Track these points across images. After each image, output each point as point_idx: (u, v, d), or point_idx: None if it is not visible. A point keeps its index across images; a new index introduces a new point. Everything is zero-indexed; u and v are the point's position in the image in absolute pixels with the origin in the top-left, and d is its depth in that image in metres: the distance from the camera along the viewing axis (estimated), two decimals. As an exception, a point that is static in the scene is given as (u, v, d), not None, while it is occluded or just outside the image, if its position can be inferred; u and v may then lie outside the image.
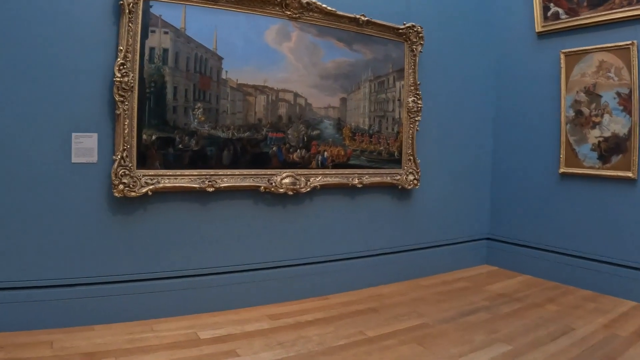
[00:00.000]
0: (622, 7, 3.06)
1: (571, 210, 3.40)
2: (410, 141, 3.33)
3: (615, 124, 3.14)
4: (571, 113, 3.38)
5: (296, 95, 2.84)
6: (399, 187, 3.30)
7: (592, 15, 3.22)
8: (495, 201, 3.97)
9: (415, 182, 3.35)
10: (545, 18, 3.50)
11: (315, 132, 2.93)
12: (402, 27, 3.22)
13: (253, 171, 2.68)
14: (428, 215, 3.55)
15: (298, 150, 2.85)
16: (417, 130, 3.34)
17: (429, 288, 3.25)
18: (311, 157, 2.90)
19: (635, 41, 3.00)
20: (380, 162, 3.23)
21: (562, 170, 3.42)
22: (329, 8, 2.86)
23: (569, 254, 3.39)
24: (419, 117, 3.34)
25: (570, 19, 3.35)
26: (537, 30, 3.58)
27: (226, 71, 2.59)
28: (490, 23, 3.93)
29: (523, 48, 3.73)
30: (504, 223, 3.88)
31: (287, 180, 2.77)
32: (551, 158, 3.51)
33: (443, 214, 3.66)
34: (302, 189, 2.82)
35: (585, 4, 3.26)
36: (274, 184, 2.72)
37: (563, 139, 3.41)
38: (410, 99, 3.31)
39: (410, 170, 3.33)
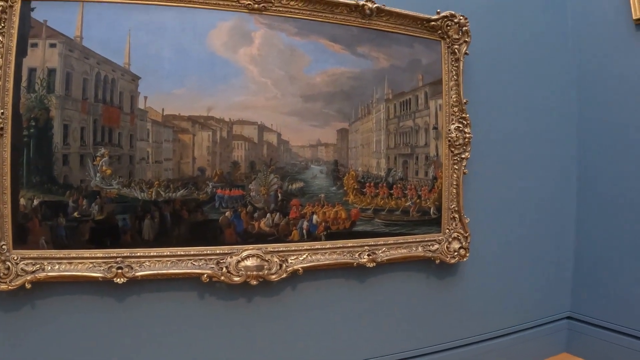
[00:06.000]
0: None
1: None
2: (454, 190, 3.00)
3: None
4: None
5: (262, 128, 2.57)
6: (437, 261, 2.96)
7: None
8: (580, 266, 3.71)
9: (462, 251, 3.02)
10: None
11: (296, 186, 2.65)
12: (436, 17, 2.89)
13: (193, 249, 2.38)
14: (482, 297, 3.31)
15: (268, 215, 2.55)
16: (464, 173, 3.02)
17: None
18: (290, 224, 2.60)
19: None
20: (406, 226, 2.90)
21: None
22: None
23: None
24: (467, 154, 3.02)
25: None
26: (634, 17, 3.25)
27: (145, 97, 2.31)
28: (566, 11, 3.72)
29: (616, 43, 3.44)
30: (592, 297, 3.58)
31: (249, 263, 2.45)
32: None
33: (504, 293, 3.42)
34: (273, 276, 2.50)
35: None
36: (226, 269, 2.41)
37: None
38: (452, 127, 2.99)
39: (455, 234, 3.00)
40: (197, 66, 2.39)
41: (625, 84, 3.39)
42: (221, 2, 2.42)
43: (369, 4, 2.69)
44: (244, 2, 2.45)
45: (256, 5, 2.47)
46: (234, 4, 2.44)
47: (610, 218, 3.48)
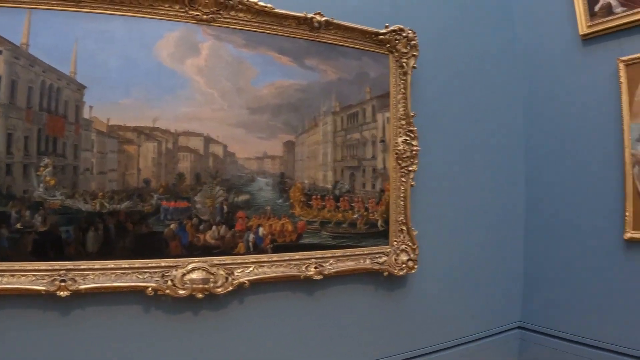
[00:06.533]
0: None
1: None
2: (402, 203, 3.14)
3: None
4: None
5: (209, 140, 2.61)
6: (385, 273, 3.09)
7: None
8: (529, 277, 3.90)
9: (410, 263, 3.16)
10: (593, 15, 3.40)
11: (242, 198, 2.70)
12: (385, 31, 3.05)
13: (137, 262, 2.41)
14: (432, 309, 3.41)
15: (214, 228, 2.60)
16: (411, 185, 3.17)
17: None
18: (236, 236, 2.66)
19: None
20: (353, 238, 3.00)
21: (628, 235, 3.23)
22: (260, 4, 2.68)
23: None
24: (414, 167, 3.17)
25: (629, 12, 3.21)
26: (581, 33, 3.49)
27: (91, 107, 2.35)
28: (515, 27, 3.97)
29: (563, 58, 3.67)
30: (542, 307, 3.78)
31: (195, 276, 2.51)
32: (611, 217, 3.34)
33: (454, 304, 3.54)
34: (219, 289, 2.56)
35: None
36: (171, 282, 2.46)
37: (629, 188, 3.23)
38: (400, 139, 3.14)
39: (403, 246, 3.14)
40: (143, 76, 2.44)
41: (572, 98, 3.62)
42: (169, 13, 2.49)
43: (318, 17, 2.81)
44: (192, 12, 2.53)
45: (204, 17, 2.56)
46: (182, 14, 2.51)
47: (557, 230, 3.69)
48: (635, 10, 3.18)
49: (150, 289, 2.42)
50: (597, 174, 3.46)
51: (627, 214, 3.24)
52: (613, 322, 3.32)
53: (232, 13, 2.64)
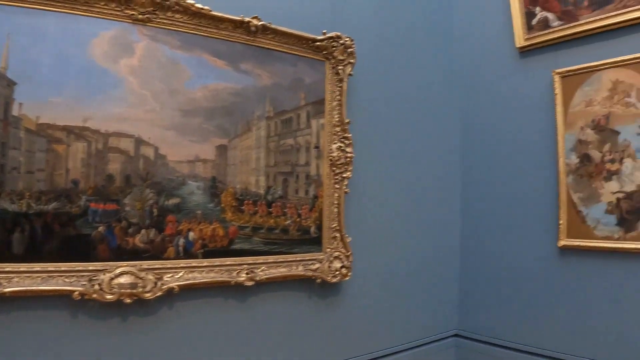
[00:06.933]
0: (644, 0, 3.03)
1: (577, 299, 3.40)
2: (335, 210, 3.25)
3: (642, 172, 3.11)
4: (574, 159, 3.42)
5: (139, 141, 2.66)
6: (318, 280, 3.19)
7: (598, 18, 3.28)
8: (465, 285, 4.09)
9: (344, 270, 3.26)
10: (530, 28, 3.62)
11: (172, 201, 2.75)
12: (322, 38, 3.18)
13: (64, 265, 2.44)
14: (367, 316, 3.50)
15: (143, 231, 2.64)
16: (345, 192, 3.28)
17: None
18: (166, 240, 2.71)
19: (666, 48, 3.08)
20: (286, 245, 3.09)
21: (562, 242, 3.44)
22: (197, 5, 2.76)
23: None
24: (348, 173, 3.29)
25: (565, 26, 3.43)
26: (518, 45, 3.71)
27: (20, 104, 2.39)
28: (453, 37, 4.19)
29: (500, 70, 3.92)
30: (478, 315, 3.97)
31: (123, 280, 2.54)
32: (546, 225, 3.56)
33: (390, 311, 3.65)
34: (148, 294, 2.60)
35: (585, 3, 3.34)
36: (99, 286, 2.49)
37: (563, 196, 3.44)
38: (334, 146, 3.26)
39: (337, 253, 3.24)
40: (76, 74, 2.48)
41: (509, 109, 3.85)
42: (105, 11, 2.54)
43: (255, 21, 2.92)
44: (129, 12, 2.59)
45: (140, 16, 2.62)
46: (118, 13, 2.57)
47: (493, 238, 3.90)
48: (571, 24, 3.41)
49: (77, 293, 2.44)
50: (532, 183, 3.66)
51: (561, 222, 3.45)
52: (548, 328, 3.50)
53: (169, 14, 2.71)
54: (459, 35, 4.22)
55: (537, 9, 3.59)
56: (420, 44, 3.93)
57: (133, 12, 2.63)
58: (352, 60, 3.27)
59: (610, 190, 3.25)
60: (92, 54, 2.54)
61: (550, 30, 3.51)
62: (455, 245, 4.14)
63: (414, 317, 3.82)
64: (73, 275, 2.45)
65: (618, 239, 3.20)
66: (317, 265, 3.19)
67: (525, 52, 3.70)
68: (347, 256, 3.28)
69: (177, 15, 2.75)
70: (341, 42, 3.21)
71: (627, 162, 3.18)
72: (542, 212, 3.58)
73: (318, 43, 3.15)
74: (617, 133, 3.23)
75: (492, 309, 3.87)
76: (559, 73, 3.46)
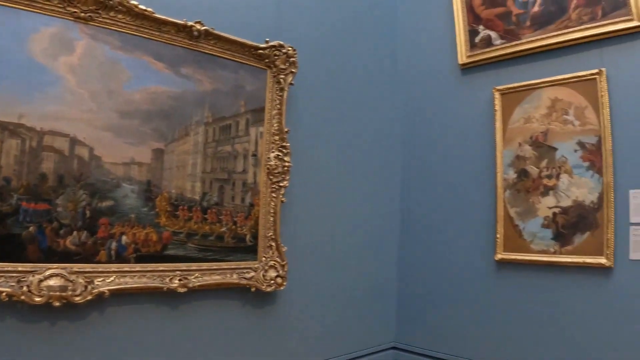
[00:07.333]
0: (581, 24, 3.22)
1: (513, 312, 3.46)
2: (271, 218, 3.24)
3: (578, 188, 3.22)
4: (512, 174, 3.51)
5: (75, 141, 2.61)
6: (253, 289, 3.17)
7: (539, 37, 3.42)
8: (402, 297, 4.12)
9: (279, 280, 3.26)
10: (473, 45, 3.74)
11: (106, 204, 2.70)
12: (264, 46, 3.20)
13: None
14: (303, 327, 3.50)
15: (75, 233, 2.59)
16: (282, 201, 3.28)
17: None
18: (98, 243, 2.65)
19: (603, 69, 3.13)
20: (220, 252, 3.06)
21: (499, 256, 3.52)
22: (140, 7, 2.73)
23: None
24: (285, 182, 3.29)
25: (507, 45, 3.57)
26: (460, 62, 3.84)
27: None
28: (396, 53, 4.30)
29: (442, 86, 4.03)
30: (416, 327, 4.01)
31: (52, 283, 2.48)
32: (483, 239, 3.66)
33: (327, 322, 3.65)
34: (78, 298, 2.54)
35: (527, 23, 3.47)
36: (27, 288, 2.42)
37: (500, 211, 3.54)
38: (272, 155, 3.26)
39: (272, 262, 3.23)
40: (13, 70, 2.42)
41: (450, 124, 3.94)
42: (46, 7, 2.49)
43: (198, 26, 2.92)
44: (71, 9, 2.55)
45: (82, 14, 2.58)
46: (60, 9, 2.52)
47: (431, 250, 3.98)
48: (513, 43, 3.54)
49: (4, 294, 2.37)
50: (470, 197, 3.76)
51: (498, 236, 3.54)
52: (485, 341, 3.57)
53: (111, 14, 2.68)
54: (403, 50, 4.31)
55: (481, 27, 3.71)
56: (363, 57, 3.99)
57: (75, 10, 2.58)
58: (293, 70, 3.31)
59: (546, 205, 3.35)
60: (31, 49, 2.48)
61: (493, 48, 3.63)
62: (393, 257, 4.18)
63: (351, 328, 3.83)
64: (1, 276, 2.38)
65: (554, 253, 3.29)
66: (252, 273, 3.18)
67: (468, 68, 3.80)
68: (283, 265, 3.28)
69: (120, 16, 2.72)
70: (283, 51, 3.24)
71: (564, 177, 3.28)
72: (480, 225, 3.67)
73: (260, 51, 3.17)
74: (555, 149, 3.34)
75: (430, 321, 3.91)
76: (499, 90, 3.58)
